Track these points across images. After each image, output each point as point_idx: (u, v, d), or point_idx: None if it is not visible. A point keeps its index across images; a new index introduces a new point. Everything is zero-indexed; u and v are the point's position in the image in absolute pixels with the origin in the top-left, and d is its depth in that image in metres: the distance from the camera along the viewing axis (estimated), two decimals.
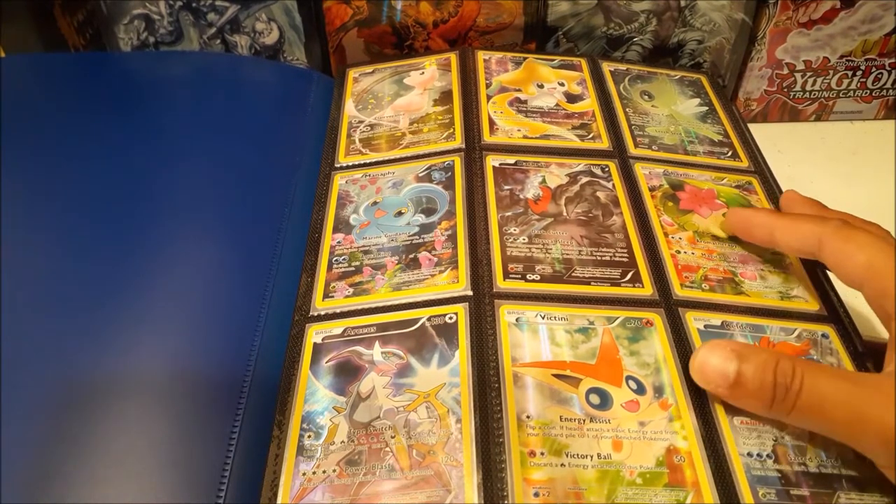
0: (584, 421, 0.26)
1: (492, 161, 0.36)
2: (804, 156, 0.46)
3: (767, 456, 0.25)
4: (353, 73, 0.45)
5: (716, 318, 0.29)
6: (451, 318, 0.29)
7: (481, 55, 0.44)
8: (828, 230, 0.28)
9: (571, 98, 0.41)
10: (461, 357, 0.28)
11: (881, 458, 0.24)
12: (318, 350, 0.29)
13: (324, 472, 0.25)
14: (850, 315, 0.30)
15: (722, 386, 0.25)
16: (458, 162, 0.37)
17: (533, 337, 0.28)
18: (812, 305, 0.31)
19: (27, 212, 0.34)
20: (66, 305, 0.30)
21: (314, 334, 0.30)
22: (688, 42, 0.48)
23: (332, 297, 0.31)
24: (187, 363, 0.28)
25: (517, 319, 0.29)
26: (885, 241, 0.27)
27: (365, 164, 0.38)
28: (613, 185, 0.36)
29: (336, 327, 0.30)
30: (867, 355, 0.29)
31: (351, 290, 0.31)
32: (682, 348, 0.28)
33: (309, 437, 0.26)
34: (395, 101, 0.42)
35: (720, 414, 0.26)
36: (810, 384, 0.24)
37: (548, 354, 0.28)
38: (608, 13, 0.47)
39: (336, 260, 0.33)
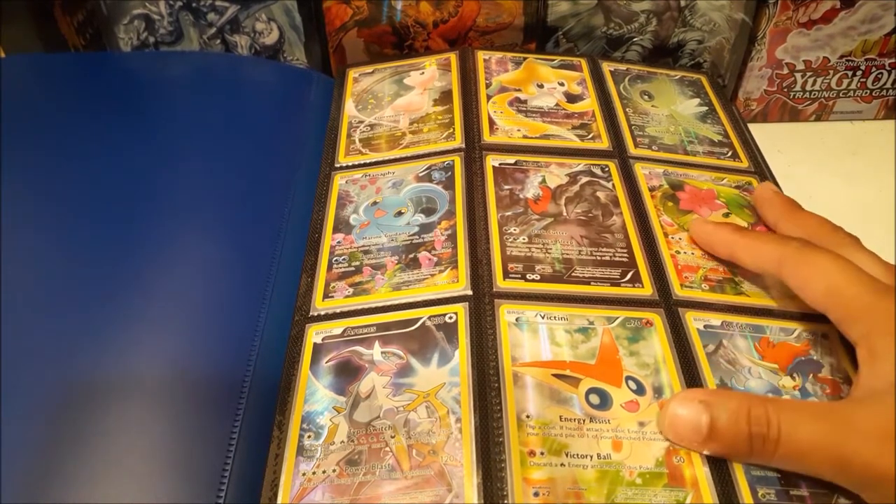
0: (583, 421, 0.26)
1: (492, 161, 0.36)
2: (804, 156, 0.46)
3: None
4: (353, 73, 0.45)
5: (716, 319, 0.30)
6: (450, 317, 0.29)
7: (481, 55, 0.44)
8: (788, 252, 0.27)
9: (571, 98, 0.41)
10: (461, 357, 0.28)
11: (869, 495, 0.23)
12: (318, 350, 0.29)
13: (324, 472, 0.25)
14: None
15: (696, 441, 0.24)
16: (457, 162, 0.37)
17: (533, 337, 0.28)
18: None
19: (27, 212, 0.34)
20: (66, 305, 0.30)
21: (314, 334, 0.30)
22: (688, 42, 0.48)
23: (332, 297, 0.31)
24: (187, 363, 0.28)
25: (517, 319, 0.29)
26: (847, 262, 0.26)
27: (365, 164, 0.38)
28: (613, 185, 0.36)
29: (336, 327, 0.30)
30: None
31: (351, 290, 0.31)
32: (682, 348, 0.28)
33: (309, 437, 0.26)
34: (395, 101, 0.42)
35: None
36: (788, 431, 0.23)
37: (548, 354, 0.28)
38: (608, 13, 0.47)
39: (336, 260, 0.33)
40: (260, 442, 0.26)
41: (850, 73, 0.47)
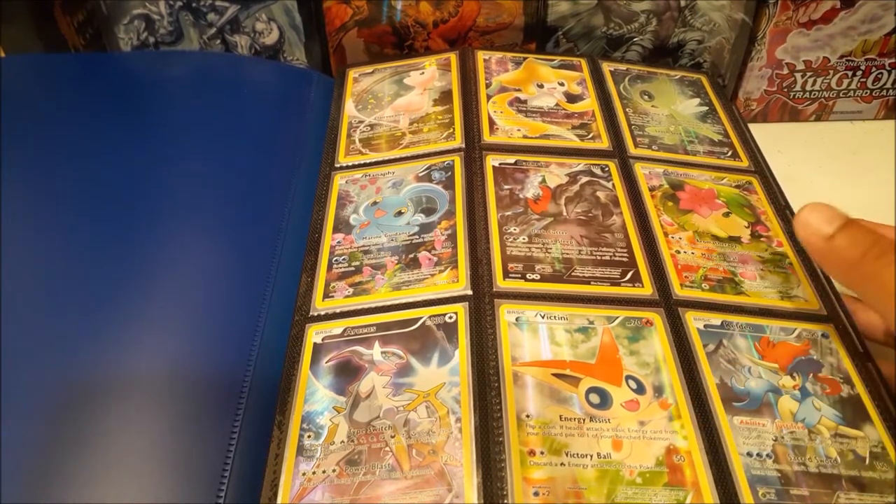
0: (583, 420, 0.26)
1: (492, 161, 0.36)
2: (804, 156, 0.46)
3: (767, 455, 0.25)
4: (353, 73, 0.45)
5: (716, 318, 0.30)
6: (450, 317, 0.29)
7: (481, 55, 0.44)
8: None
9: (571, 98, 0.41)
10: (461, 356, 0.28)
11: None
12: (318, 350, 0.29)
13: (324, 471, 0.25)
14: (849, 314, 0.30)
15: (824, 228, 0.26)
16: (457, 161, 0.37)
17: (533, 336, 0.28)
18: (812, 305, 0.31)
19: (27, 212, 0.34)
20: (66, 305, 0.30)
21: (314, 334, 0.30)
22: (688, 42, 0.48)
23: (332, 297, 0.31)
24: (187, 363, 0.28)
25: (517, 319, 0.29)
26: None
27: (365, 164, 0.38)
28: (613, 184, 0.36)
29: (336, 327, 0.30)
30: (867, 355, 0.29)
31: (351, 289, 0.31)
32: (682, 348, 0.28)
33: (309, 436, 0.26)
34: (395, 101, 0.42)
35: (720, 413, 0.26)
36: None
37: (547, 354, 0.28)
38: (608, 13, 0.47)
39: (336, 260, 0.33)
40: (260, 442, 0.26)
41: (850, 73, 0.47)
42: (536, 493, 0.24)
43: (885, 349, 0.30)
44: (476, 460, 0.24)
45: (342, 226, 0.34)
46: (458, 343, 0.28)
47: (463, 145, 0.37)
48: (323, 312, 0.30)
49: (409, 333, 0.29)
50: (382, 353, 0.28)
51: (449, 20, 0.47)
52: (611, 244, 0.32)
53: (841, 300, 0.31)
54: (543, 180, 0.35)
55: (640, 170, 0.37)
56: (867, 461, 0.25)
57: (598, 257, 0.32)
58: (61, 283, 0.31)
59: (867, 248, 0.25)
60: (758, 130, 0.42)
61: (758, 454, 0.25)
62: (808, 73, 0.47)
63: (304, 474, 0.25)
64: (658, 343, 0.28)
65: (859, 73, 0.47)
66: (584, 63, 0.44)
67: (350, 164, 0.38)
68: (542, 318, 0.29)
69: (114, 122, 0.40)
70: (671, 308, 0.30)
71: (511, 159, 0.37)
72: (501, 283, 0.30)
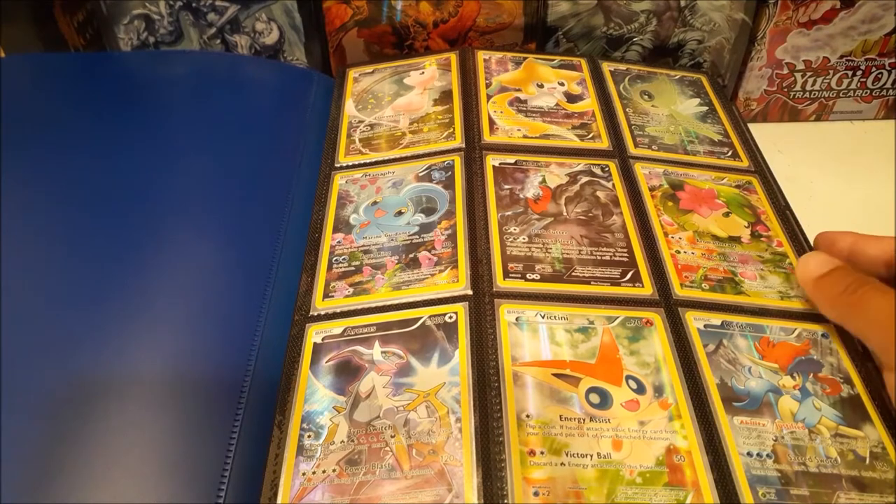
0: (583, 420, 0.26)
1: (492, 160, 0.36)
2: (804, 156, 0.46)
3: (767, 455, 0.25)
4: (353, 73, 0.45)
5: (716, 318, 0.29)
6: (450, 317, 0.29)
7: (481, 55, 0.44)
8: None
9: (571, 98, 0.41)
10: (461, 356, 0.28)
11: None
12: (318, 350, 0.29)
13: (324, 471, 0.25)
14: None
15: (807, 280, 0.30)
16: (457, 161, 0.37)
17: (533, 336, 0.28)
18: (812, 305, 0.31)
19: (27, 211, 0.34)
20: (65, 305, 0.30)
21: (314, 334, 0.30)
22: (688, 42, 0.48)
23: (332, 296, 0.31)
24: (187, 362, 0.28)
25: (517, 319, 0.29)
26: None
27: (365, 164, 0.38)
28: (613, 184, 0.36)
29: (336, 327, 0.30)
30: (867, 355, 0.29)
31: (351, 289, 0.31)
32: (682, 348, 0.28)
33: (309, 436, 0.26)
34: (395, 101, 0.42)
35: (720, 413, 0.26)
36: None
37: (548, 354, 0.28)
38: (608, 13, 0.47)
39: (336, 260, 0.33)
40: (260, 442, 0.26)
41: (850, 73, 0.47)
42: (536, 493, 0.24)
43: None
44: (476, 460, 0.24)
45: (342, 225, 0.34)
46: (458, 343, 0.28)
47: (463, 145, 0.37)
48: (323, 312, 0.30)
49: (409, 333, 0.29)
50: (382, 352, 0.28)
51: (449, 20, 0.47)
52: (611, 244, 0.32)
53: None
54: (543, 180, 0.35)
55: (640, 170, 0.37)
56: (867, 461, 0.25)
57: (599, 257, 0.32)
58: (61, 283, 0.31)
59: (848, 284, 0.28)
60: (758, 130, 0.42)
61: (758, 454, 0.25)
62: (808, 73, 0.47)
63: (304, 474, 0.25)
64: (658, 343, 0.28)
65: (859, 73, 0.47)
66: (584, 63, 0.44)
67: (350, 163, 0.38)
68: (542, 317, 0.29)
69: (114, 122, 0.40)
70: (671, 308, 0.30)
71: (511, 159, 0.37)
72: (501, 283, 0.30)
